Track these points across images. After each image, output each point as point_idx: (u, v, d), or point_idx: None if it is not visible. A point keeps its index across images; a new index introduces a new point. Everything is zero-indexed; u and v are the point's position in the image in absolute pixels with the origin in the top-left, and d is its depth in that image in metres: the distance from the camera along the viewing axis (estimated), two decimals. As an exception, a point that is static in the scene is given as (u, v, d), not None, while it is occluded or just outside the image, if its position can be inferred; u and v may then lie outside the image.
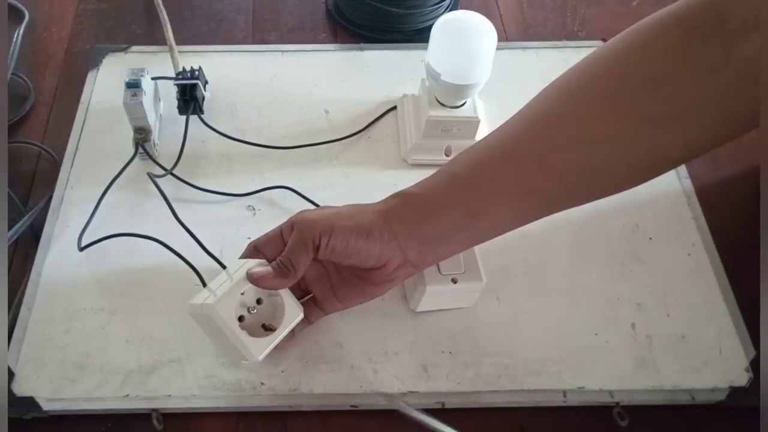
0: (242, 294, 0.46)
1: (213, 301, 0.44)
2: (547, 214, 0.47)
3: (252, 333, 0.46)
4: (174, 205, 0.55)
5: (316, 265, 0.47)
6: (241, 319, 0.46)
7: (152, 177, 0.57)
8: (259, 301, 0.47)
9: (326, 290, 0.50)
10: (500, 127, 0.47)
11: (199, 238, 0.52)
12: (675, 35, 0.41)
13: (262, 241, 0.50)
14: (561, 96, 0.46)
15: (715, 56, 0.40)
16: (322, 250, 0.45)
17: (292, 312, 0.47)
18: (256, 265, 0.46)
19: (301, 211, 0.49)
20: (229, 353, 0.48)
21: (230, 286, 0.45)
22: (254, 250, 0.49)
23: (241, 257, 0.50)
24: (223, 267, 0.50)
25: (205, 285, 0.48)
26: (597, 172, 0.44)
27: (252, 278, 0.46)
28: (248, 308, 0.46)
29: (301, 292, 0.50)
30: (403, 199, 0.47)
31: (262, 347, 0.46)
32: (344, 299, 0.49)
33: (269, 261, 0.49)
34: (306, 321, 0.49)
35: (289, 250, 0.46)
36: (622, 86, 0.43)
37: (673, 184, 0.63)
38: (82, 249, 0.54)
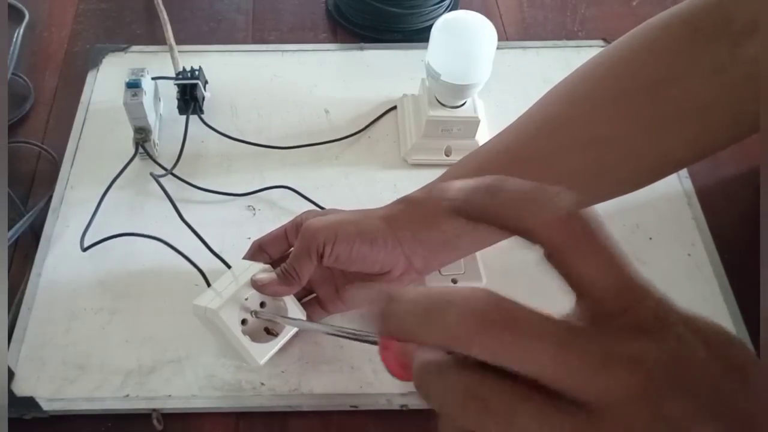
0: (246, 299, 0.46)
1: (216, 306, 0.44)
2: None
3: (254, 336, 0.46)
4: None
5: (321, 267, 0.47)
6: (244, 322, 0.46)
7: (155, 177, 0.57)
8: (262, 305, 0.47)
9: (330, 292, 0.50)
10: (505, 130, 0.47)
11: (199, 238, 0.52)
12: (680, 36, 0.41)
13: (267, 240, 0.50)
14: (567, 98, 0.46)
15: (721, 56, 0.39)
16: (326, 257, 0.45)
17: (295, 317, 0.47)
18: (260, 270, 0.47)
19: (305, 213, 0.49)
20: (231, 352, 0.48)
21: (234, 290, 0.45)
22: (258, 249, 0.50)
23: (245, 256, 0.50)
24: (229, 267, 0.50)
25: (209, 285, 0.48)
26: (603, 174, 0.44)
27: (256, 285, 0.46)
28: (251, 312, 0.46)
29: (305, 291, 0.50)
30: (407, 204, 0.47)
31: (263, 353, 0.46)
32: (348, 301, 0.49)
33: (273, 260, 0.49)
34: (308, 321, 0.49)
35: (293, 258, 0.46)
36: (628, 88, 0.43)
37: (673, 184, 0.63)
38: (85, 249, 0.54)
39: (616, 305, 0.23)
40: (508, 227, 0.25)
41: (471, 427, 0.21)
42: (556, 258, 0.24)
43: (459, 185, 0.26)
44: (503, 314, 0.22)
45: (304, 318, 0.48)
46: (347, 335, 0.37)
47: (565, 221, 0.24)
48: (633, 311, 0.23)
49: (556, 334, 0.21)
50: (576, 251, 0.24)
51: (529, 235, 0.24)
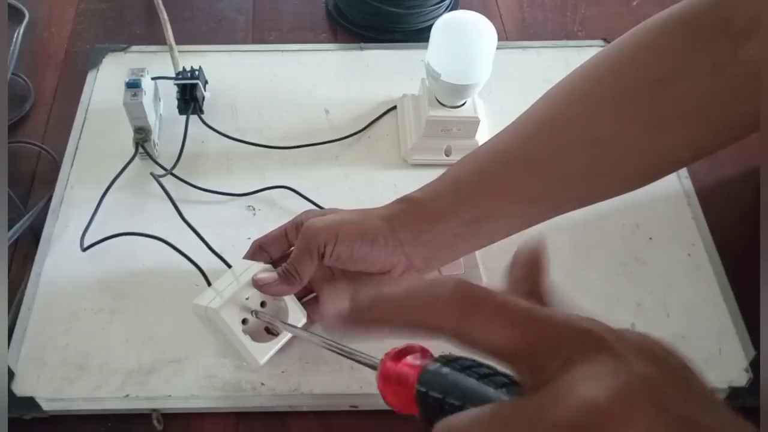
0: (247, 299, 0.46)
1: (217, 306, 0.44)
2: (553, 217, 0.47)
3: (255, 336, 0.46)
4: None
5: (322, 266, 0.47)
6: (244, 321, 0.46)
7: (155, 177, 0.57)
8: (263, 304, 0.47)
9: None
10: (504, 130, 0.47)
11: (199, 238, 0.52)
12: (680, 36, 0.41)
13: (267, 240, 0.50)
14: (566, 98, 0.46)
15: (721, 56, 0.39)
16: (327, 257, 0.45)
17: (296, 317, 0.47)
18: (261, 270, 0.47)
19: (305, 212, 0.49)
20: (231, 351, 0.48)
21: (235, 290, 0.45)
22: (259, 249, 0.50)
23: (246, 256, 0.50)
24: (229, 267, 0.50)
25: (209, 284, 0.48)
26: (602, 174, 0.44)
27: (257, 284, 0.46)
28: (252, 311, 0.46)
29: (305, 291, 0.50)
30: (407, 204, 0.47)
31: (264, 352, 0.46)
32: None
33: (273, 260, 0.49)
34: (309, 321, 0.49)
35: (294, 257, 0.46)
36: (627, 87, 0.43)
37: (673, 184, 0.63)
38: (85, 249, 0.54)
39: (545, 356, 0.22)
40: (412, 329, 0.25)
41: None
42: (465, 343, 0.24)
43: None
44: None
45: (305, 318, 0.48)
46: (347, 354, 0.37)
47: (450, 305, 0.24)
48: (562, 350, 0.22)
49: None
50: (473, 327, 0.23)
51: (432, 332, 0.24)
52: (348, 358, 0.37)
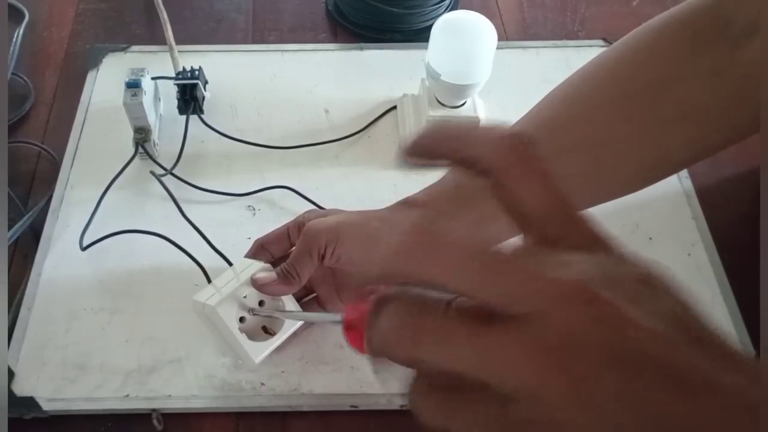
0: (245, 297, 0.46)
1: (215, 303, 0.44)
2: None
3: (252, 335, 0.46)
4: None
5: (322, 267, 0.47)
6: (242, 320, 0.46)
7: (156, 175, 0.57)
8: (261, 303, 0.47)
9: (330, 291, 0.50)
10: None
11: (199, 238, 0.52)
12: (679, 38, 0.41)
13: (269, 239, 0.50)
14: (566, 100, 0.46)
15: (720, 59, 0.40)
16: (327, 258, 0.45)
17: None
18: (261, 269, 0.47)
19: (307, 212, 0.49)
20: (229, 349, 0.48)
21: (234, 288, 0.45)
22: (260, 248, 0.50)
23: (247, 255, 0.50)
24: (230, 264, 0.50)
25: (210, 281, 0.48)
26: (602, 176, 0.44)
27: (256, 284, 0.46)
28: (250, 310, 0.46)
29: (305, 291, 0.50)
30: (408, 207, 0.47)
31: (260, 351, 0.46)
32: (348, 301, 0.49)
33: (275, 259, 0.49)
34: (306, 322, 0.49)
35: (294, 257, 0.46)
36: (627, 89, 0.43)
37: (673, 184, 0.63)
38: (84, 248, 0.54)
39: (555, 231, 0.23)
40: (455, 159, 0.25)
41: (408, 361, 0.23)
42: (499, 185, 0.24)
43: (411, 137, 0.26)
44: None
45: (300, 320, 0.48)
46: (312, 319, 0.37)
47: (506, 146, 0.24)
48: (571, 235, 0.23)
49: (481, 257, 0.21)
50: (517, 176, 0.24)
51: (474, 163, 0.24)
52: (316, 321, 0.37)
